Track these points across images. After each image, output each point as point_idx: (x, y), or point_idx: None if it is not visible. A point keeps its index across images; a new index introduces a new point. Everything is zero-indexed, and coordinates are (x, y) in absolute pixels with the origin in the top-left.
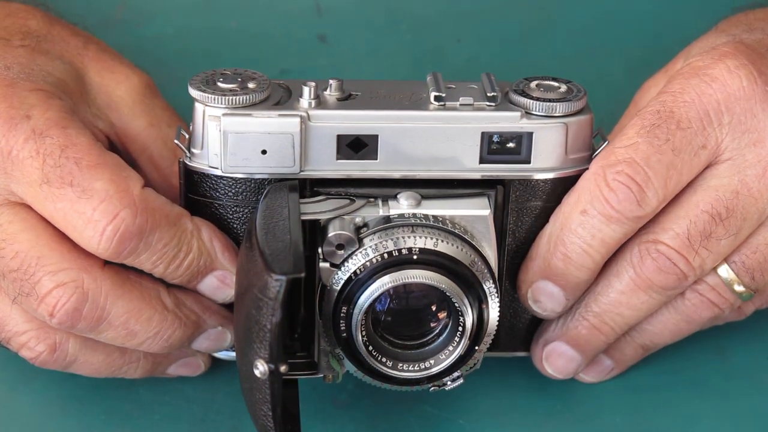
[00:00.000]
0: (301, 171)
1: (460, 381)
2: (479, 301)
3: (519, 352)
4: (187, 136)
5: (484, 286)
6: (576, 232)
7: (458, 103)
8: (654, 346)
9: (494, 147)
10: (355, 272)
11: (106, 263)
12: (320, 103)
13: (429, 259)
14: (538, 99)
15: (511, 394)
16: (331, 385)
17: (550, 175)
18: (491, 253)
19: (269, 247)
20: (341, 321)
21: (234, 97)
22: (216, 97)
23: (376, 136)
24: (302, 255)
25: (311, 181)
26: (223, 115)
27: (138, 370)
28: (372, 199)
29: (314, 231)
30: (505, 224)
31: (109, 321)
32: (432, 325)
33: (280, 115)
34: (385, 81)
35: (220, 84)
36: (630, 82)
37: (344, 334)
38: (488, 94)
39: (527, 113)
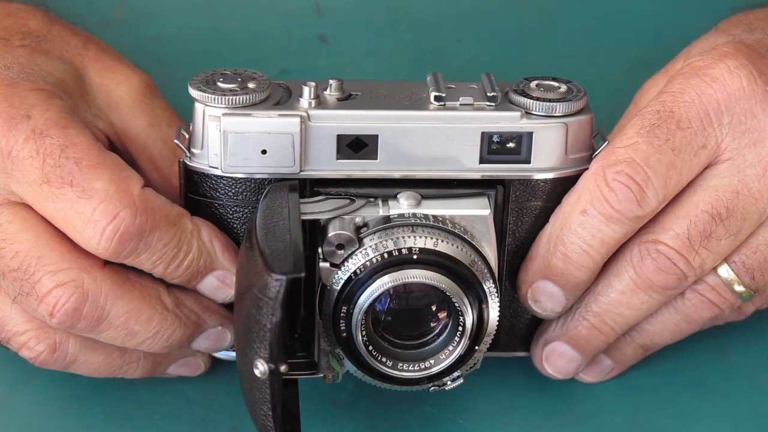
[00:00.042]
0: (301, 171)
1: (460, 381)
2: (479, 301)
3: (519, 352)
4: (187, 136)
5: (484, 286)
6: (576, 232)
7: (458, 103)
8: (654, 346)
9: (494, 147)
10: (355, 272)
11: (106, 263)
12: (320, 103)
13: (429, 259)
14: (538, 99)
15: (511, 394)
16: (331, 385)
17: (550, 175)
18: (491, 253)
19: (269, 246)
20: (341, 321)
21: (234, 97)
22: (216, 97)
23: (376, 136)
24: (302, 255)
25: (311, 181)
26: (223, 115)
27: (138, 370)
28: (372, 199)
29: (314, 231)
30: (505, 224)
31: (109, 321)
32: (432, 324)
33: (280, 115)
34: (385, 81)
35: (220, 84)
36: (630, 82)
37: (344, 334)
38: (488, 94)
39: (527, 113)
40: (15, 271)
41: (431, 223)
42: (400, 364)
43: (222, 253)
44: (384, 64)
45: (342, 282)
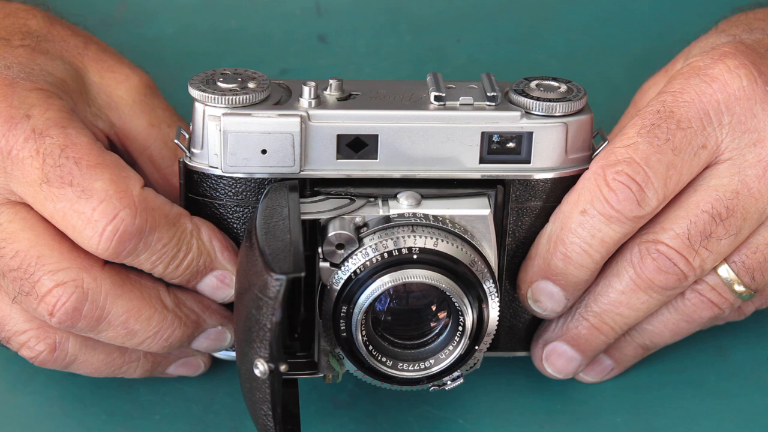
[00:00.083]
0: (301, 171)
1: (460, 380)
2: (479, 300)
3: (519, 352)
4: (187, 136)
5: (484, 285)
6: (576, 231)
7: (458, 102)
8: (654, 345)
9: (494, 147)
10: (355, 272)
11: (106, 263)
12: (320, 102)
13: (429, 259)
14: (538, 99)
15: (511, 394)
16: (331, 384)
17: (550, 175)
18: (491, 253)
19: (269, 246)
20: (341, 320)
21: (234, 97)
22: (216, 96)
23: (376, 136)
24: (302, 254)
25: (311, 181)
26: (223, 114)
27: (138, 370)
28: (372, 199)
29: (314, 231)
30: (505, 224)
31: (109, 320)
32: (432, 324)
33: (280, 114)
34: (385, 81)
35: (220, 84)
36: (630, 82)
37: (344, 334)
38: (488, 94)
39: (527, 113)
40: (15, 270)
41: (431, 222)
42: (400, 364)
43: (221, 252)
44: (384, 64)
45: (342, 282)
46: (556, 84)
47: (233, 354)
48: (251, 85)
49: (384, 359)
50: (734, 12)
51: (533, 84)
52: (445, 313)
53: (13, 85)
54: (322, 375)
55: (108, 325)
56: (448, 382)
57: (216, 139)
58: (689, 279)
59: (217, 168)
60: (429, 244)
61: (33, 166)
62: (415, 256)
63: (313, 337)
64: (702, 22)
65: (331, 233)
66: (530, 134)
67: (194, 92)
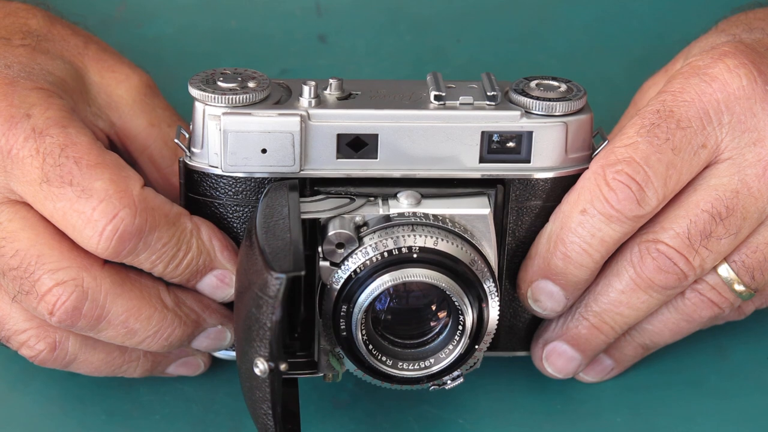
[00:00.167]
0: (301, 170)
1: (460, 380)
2: (479, 300)
3: (519, 351)
4: (187, 136)
5: (484, 285)
6: (576, 231)
7: (458, 102)
8: (654, 345)
9: (494, 146)
10: (355, 271)
11: (106, 262)
12: (320, 102)
13: (429, 258)
14: (538, 98)
15: (511, 394)
16: (331, 384)
17: (550, 175)
18: (491, 252)
19: (269, 245)
20: (341, 320)
21: (234, 96)
22: (216, 96)
23: (376, 135)
24: (302, 253)
25: (311, 180)
26: (223, 114)
27: (138, 370)
28: (372, 198)
29: (314, 230)
30: (505, 223)
31: (109, 319)
32: (432, 323)
33: (280, 114)
34: (385, 81)
35: (220, 83)
36: (630, 82)
37: (344, 333)
38: (488, 94)
39: (527, 112)
40: (15, 269)
41: (431, 222)
42: (400, 363)
43: (221, 252)
44: (384, 64)
45: (342, 281)
46: (556, 83)
47: (233, 354)
48: (251, 84)
49: (384, 358)
50: (734, 12)
51: (533, 83)
52: (445, 313)
53: (13, 84)
54: (322, 374)
55: (108, 324)
56: (448, 382)
57: (216, 139)
58: (689, 278)
59: (217, 167)
60: (429, 243)
61: (33, 166)
62: (415, 256)
63: (313, 337)
64: (702, 22)
65: (331, 232)
66: (530, 134)
67: (194, 92)
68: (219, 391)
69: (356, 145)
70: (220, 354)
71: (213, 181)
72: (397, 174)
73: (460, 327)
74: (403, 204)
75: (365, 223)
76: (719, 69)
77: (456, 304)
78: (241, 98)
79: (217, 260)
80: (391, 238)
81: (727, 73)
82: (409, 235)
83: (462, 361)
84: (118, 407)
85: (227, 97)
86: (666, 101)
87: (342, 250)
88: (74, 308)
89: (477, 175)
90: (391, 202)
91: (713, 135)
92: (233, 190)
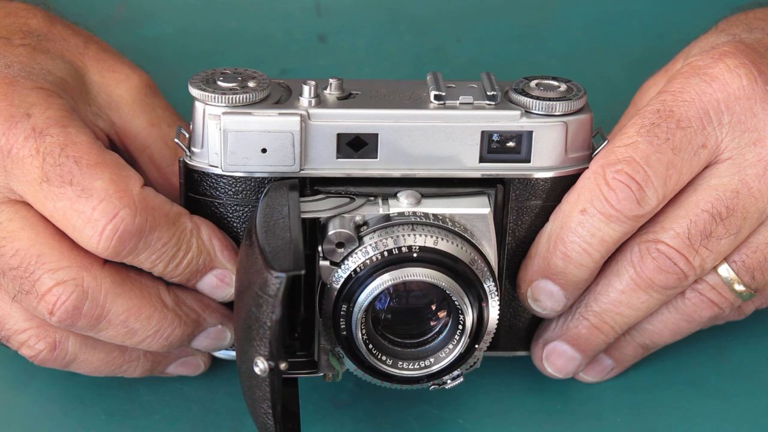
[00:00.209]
0: (301, 170)
1: (460, 380)
2: (479, 299)
3: (519, 351)
4: (187, 135)
5: (485, 284)
6: (576, 231)
7: (458, 101)
8: (654, 345)
9: (494, 146)
10: (355, 270)
11: (106, 262)
12: (320, 101)
13: (429, 257)
14: (538, 98)
15: (511, 394)
16: (331, 384)
17: (550, 174)
18: (491, 252)
19: (269, 244)
20: (341, 319)
21: (234, 96)
22: (216, 95)
23: (376, 135)
24: (302, 253)
25: (311, 180)
26: (223, 113)
27: (138, 369)
28: (372, 198)
29: (314, 229)
30: (505, 223)
31: (109, 319)
32: (432, 323)
33: (280, 113)
34: (385, 80)
35: (220, 83)
36: (630, 82)
37: (344, 333)
38: (488, 93)
39: (527, 112)
40: (15, 269)
41: (431, 221)
42: (400, 363)
43: (221, 251)
44: (384, 64)
45: (342, 280)
46: (555, 83)
47: (233, 353)
48: (251, 84)
49: (384, 358)
50: (734, 12)
51: (533, 83)
52: (445, 312)
53: (13, 83)
54: (322, 374)
55: (108, 324)
56: (448, 381)
57: (216, 138)
58: (689, 278)
59: (217, 167)
60: (429, 242)
61: (33, 165)
62: (415, 255)
63: (313, 336)
64: (702, 22)
65: (331, 232)
66: (530, 133)
67: (194, 91)
68: (219, 391)
69: (356, 144)
70: (220, 354)
71: (213, 180)
72: (397, 173)
73: (460, 326)
74: (403, 203)
75: (365, 223)
76: (719, 69)
77: (456, 303)
78: (241, 98)
79: (217, 260)
80: (391, 238)
81: (728, 73)
82: (409, 235)
83: (462, 360)
84: (118, 407)
85: (227, 96)
86: (666, 101)
87: (342, 250)
88: (74, 308)
89: (477, 174)
90: (391, 201)
91: (713, 135)
92: (233, 189)
